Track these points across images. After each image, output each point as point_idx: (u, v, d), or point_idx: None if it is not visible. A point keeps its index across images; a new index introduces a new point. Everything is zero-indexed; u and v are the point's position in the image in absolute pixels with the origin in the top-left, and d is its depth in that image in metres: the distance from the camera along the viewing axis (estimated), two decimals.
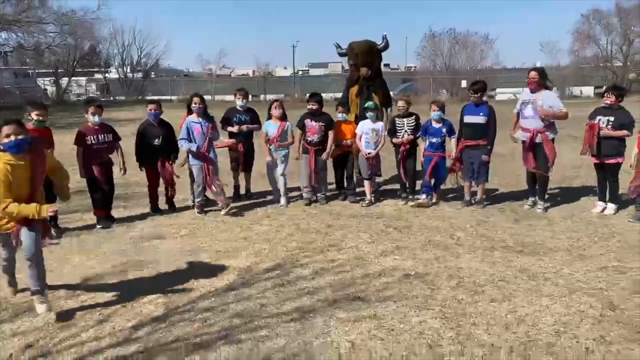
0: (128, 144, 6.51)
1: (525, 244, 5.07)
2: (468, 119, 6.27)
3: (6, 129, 3.40)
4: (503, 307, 3.70)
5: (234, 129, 6.73)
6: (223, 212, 6.29)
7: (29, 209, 3.45)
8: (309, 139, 6.64)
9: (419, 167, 6.80)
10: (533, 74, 6.04)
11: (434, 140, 6.42)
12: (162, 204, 6.57)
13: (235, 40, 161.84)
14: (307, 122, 6.64)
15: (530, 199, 6.43)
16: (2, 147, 3.41)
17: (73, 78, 33.83)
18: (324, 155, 6.67)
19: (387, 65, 46.78)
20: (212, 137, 6.23)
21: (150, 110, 6.28)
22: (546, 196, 6.38)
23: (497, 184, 7.61)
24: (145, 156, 6.29)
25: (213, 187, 6.19)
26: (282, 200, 6.75)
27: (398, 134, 6.64)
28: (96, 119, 5.81)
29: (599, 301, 3.75)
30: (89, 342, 3.31)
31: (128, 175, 6.39)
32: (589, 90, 31.66)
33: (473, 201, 6.50)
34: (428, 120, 6.52)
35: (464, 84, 27.04)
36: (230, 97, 7.73)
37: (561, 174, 8.22)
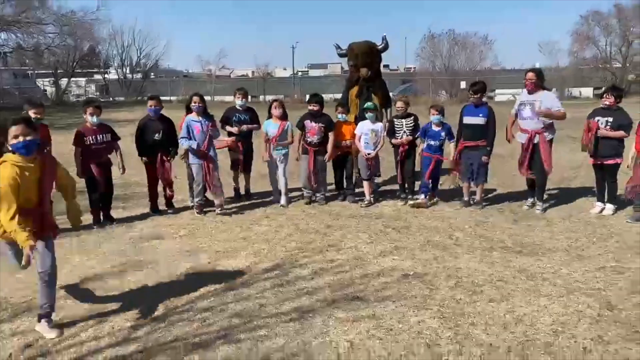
0: (127, 145, 6.53)
1: (524, 245, 5.08)
2: (467, 119, 6.28)
3: (14, 130, 3.22)
4: (501, 307, 3.71)
5: (234, 129, 6.74)
6: (217, 211, 6.32)
7: (20, 236, 3.11)
8: (309, 139, 6.65)
9: (417, 168, 6.82)
10: (530, 75, 6.06)
11: (432, 143, 6.44)
12: (161, 204, 6.57)
13: (235, 41, 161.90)
14: (307, 122, 6.66)
15: (529, 199, 6.45)
16: (10, 148, 3.25)
17: (72, 79, 33.86)
18: (326, 157, 6.69)
19: (386, 66, 46.79)
20: (213, 134, 6.24)
21: (151, 106, 6.30)
22: (545, 197, 6.40)
23: (496, 185, 7.63)
24: (145, 151, 6.29)
25: (214, 182, 6.19)
26: (283, 200, 6.77)
27: (397, 134, 6.65)
28: (95, 119, 5.83)
29: (597, 301, 3.77)
30: (88, 342, 3.32)
31: (127, 175, 6.40)
32: (588, 92, 31.71)
33: (472, 202, 6.51)
34: (428, 122, 6.54)
35: (463, 85, 27.08)
36: (229, 98, 7.74)
37: (560, 174, 8.23)
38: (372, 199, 6.79)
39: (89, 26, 31.06)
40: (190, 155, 6.25)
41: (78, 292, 4.12)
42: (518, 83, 6.61)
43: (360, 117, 7.04)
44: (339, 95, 9.09)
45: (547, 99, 5.98)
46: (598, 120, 5.93)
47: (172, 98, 27.76)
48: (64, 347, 3.25)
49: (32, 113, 5.35)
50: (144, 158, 6.35)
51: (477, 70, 31.58)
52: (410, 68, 52.71)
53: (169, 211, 6.44)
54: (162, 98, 6.72)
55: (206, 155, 6.16)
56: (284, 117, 6.73)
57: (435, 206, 6.60)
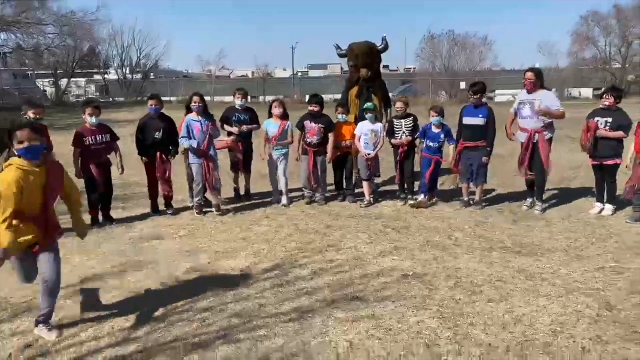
0: (127, 145, 6.53)
1: (523, 245, 5.09)
2: (467, 120, 6.28)
3: (19, 134, 3.17)
4: (500, 307, 3.71)
5: (233, 129, 6.74)
6: (214, 211, 6.36)
7: (3, 237, 3.07)
8: (308, 140, 6.66)
9: (417, 168, 6.82)
10: (529, 74, 6.06)
11: (431, 144, 6.45)
12: (161, 205, 6.57)
13: (235, 42, 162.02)
14: (307, 123, 6.66)
15: (528, 199, 6.46)
16: (16, 152, 3.20)
17: (72, 79, 33.86)
18: (327, 158, 6.71)
19: (386, 66, 46.83)
20: (213, 134, 6.25)
21: (151, 105, 6.30)
22: (544, 197, 6.40)
23: (495, 185, 7.64)
24: (145, 150, 6.29)
25: (213, 182, 6.20)
26: (284, 200, 6.79)
27: (396, 135, 6.66)
28: (93, 119, 5.83)
29: (595, 301, 3.77)
30: (88, 342, 3.32)
31: (127, 175, 6.41)
32: (587, 92, 31.73)
33: (471, 202, 6.52)
34: (427, 124, 6.55)
35: (462, 85, 27.10)
36: (229, 98, 7.75)
37: (559, 174, 8.24)
38: (371, 199, 6.80)
39: (89, 26, 31.10)
40: (191, 155, 6.26)
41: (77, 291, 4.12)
42: (518, 83, 6.61)
43: (360, 118, 7.05)
44: (338, 96, 9.10)
45: (547, 98, 5.99)
46: (597, 121, 5.94)
47: (172, 98, 27.78)
48: (64, 347, 3.25)
49: (31, 113, 5.36)
50: (143, 158, 6.35)
51: (477, 70, 31.61)
52: (410, 68, 52.77)
53: (168, 212, 6.44)
54: (162, 98, 6.72)
55: (206, 155, 6.17)
56: (284, 116, 6.75)
57: (435, 206, 6.60)
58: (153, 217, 6.31)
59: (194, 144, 6.11)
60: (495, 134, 6.23)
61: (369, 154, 6.58)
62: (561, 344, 3.19)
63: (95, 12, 30.84)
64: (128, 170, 6.32)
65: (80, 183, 6.02)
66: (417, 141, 6.69)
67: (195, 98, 6.24)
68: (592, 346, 3.16)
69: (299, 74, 54.38)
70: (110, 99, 33.78)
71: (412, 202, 6.66)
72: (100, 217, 6.07)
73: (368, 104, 6.79)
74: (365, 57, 7.54)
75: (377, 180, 7.57)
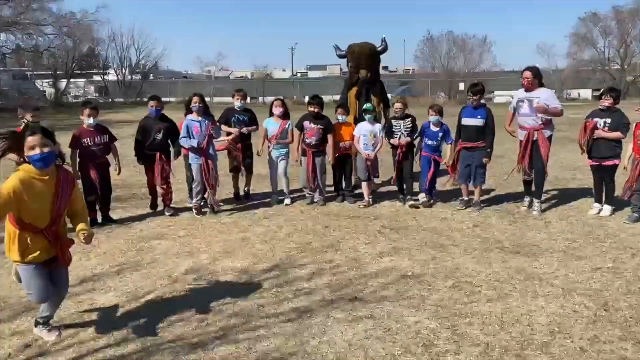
0: (127, 146, 6.53)
1: (521, 245, 5.10)
2: (466, 121, 6.30)
3: (31, 140, 2.97)
4: (498, 307, 3.73)
5: (234, 130, 6.74)
6: (208, 211, 6.40)
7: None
8: (307, 140, 6.68)
9: (415, 169, 6.83)
10: (527, 73, 6.07)
11: (430, 142, 6.47)
12: (161, 205, 6.57)
13: (234, 43, 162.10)
14: (306, 124, 6.68)
15: (526, 200, 6.47)
16: (26, 159, 3.01)
17: (71, 80, 33.87)
18: (329, 160, 6.74)
19: (385, 67, 46.92)
20: (214, 133, 6.26)
21: (152, 106, 6.30)
22: (542, 197, 6.42)
23: (493, 186, 7.66)
24: (145, 150, 6.30)
25: (211, 181, 6.22)
26: (287, 200, 6.86)
27: (395, 135, 6.67)
28: (91, 120, 5.84)
29: (593, 301, 3.79)
30: (87, 342, 3.33)
31: (127, 176, 6.42)
32: (586, 93, 31.81)
33: (470, 202, 6.53)
34: (427, 121, 6.56)
35: (461, 86, 27.14)
36: (229, 99, 7.76)
37: (558, 175, 8.27)
38: (370, 200, 6.81)
39: (88, 27, 31.13)
40: (191, 155, 6.27)
41: (76, 292, 4.13)
42: (517, 85, 6.62)
43: (359, 119, 7.07)
44: (337, 97, 9.11)
45: (546, 96, 6.00)
46: (596, 121, 5.96)
47: (171, 99, 27.81)
48: (63, 347, 3.26)
49: (29, 117, 5.35)
50: (140, 161, 6.35)
51: (476, 71, 31.68)
52: (409, 69, 52.83)
53: (167, 213, 6.44)
54: (162, 99, 6.72)
55: (205, 154, 6.19)
56: (285, 116, 6.78)
57: (434, 207, 6.61)
58: (153, 218, 6.32)
59: (194, 142, 6.12)
60: (494, 135, 6.24)
61: (369, 155, 6.60)
62: (559, 343, 3.20)
63: (95, 13, 30.90)
64: (128, 171, 6.33)
65: (78, 183, 6.06)
66: (416, 142, 6.70)
67: (195, 98, 6.25)
68: (589, 346, 3.17)
69: (299, 74, 54.42)
70: (110, 100, 33.78)
71: (412, 202, 6.67)
72: (100, 218, 6.08)
73: (367, 105, 6.80)
74: (365, 58, 7.55)
75: (377, 181, 7.58)
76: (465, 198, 6.54)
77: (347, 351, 3.17)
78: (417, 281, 4.23)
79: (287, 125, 6.76)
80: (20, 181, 2.96)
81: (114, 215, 6.25)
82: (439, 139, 6.45)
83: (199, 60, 46.39)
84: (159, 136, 6.23)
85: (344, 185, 7.05)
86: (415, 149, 6.74)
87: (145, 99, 7.05)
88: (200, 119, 6.20)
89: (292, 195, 7.04)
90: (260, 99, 32.15)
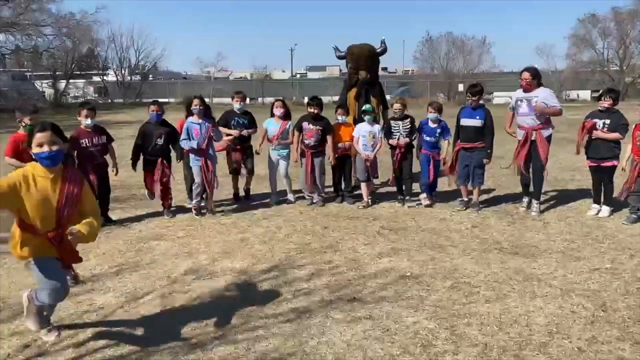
0: (126, 147, 6.53)
1: (520, 246, 5.11)
2: (464, 122, 6.31)
3: (39, 137, 2.84)
4: (497, 307, 3.74)
5: (234, 132, 6.75)
6: (207, 212, 6.42)
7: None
8: (306, 142, 6.69)
9: (415, 170, 6.85)
10: (526, 74, 6.08)
11: (428, 139, 6.49)
12: (159, 206, 6.58)
13: (234, 43, 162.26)
14: (305, 125, 6.69)
15: (524, 200, 6.48)
16: (34, 157, 2.88)
17: (71, 81, 33.86)
18: (330, 161, 6.78)
19: (384, 68, 46.98)
20: (214, 135, 6.28)
21: (153, 111, 6.30)
22: (541, 198, 6.43)
23: (492, 186, 7.67)
24: (147, 156, 6.30)
25: (211, 182, 6.23)
26: (291, 197, 6.98)
27: (393, 136, 6.68)
28: (89, 121, 5.84)
29: (591, 302, 3.80)
30: (87, 342, 3.33)
31: (126, 176, 6.42)
32: (585, 94, 31.85)
33: (469, 203, 6.54)
34: (425, 119, 6.58)
35: (461, 87, 27.18)
36: (228, 100, 7.78)
37: (556, 176, 8.28)
38: (369, 200, 6.82)
39: (88, 28, 31.14)
40: (191, 157, 6.29)
41: (75, 292, 4.13)
42: (516, 86, 6.63)
43: (358, 120, 7.08)
44: (337, 98, 9.13)
45: (544, 95, 6.01)
46: (595, 122, 5.97)
47: (171, 100, 27.84)
48: (62, 348, 3.26)
49: (27, 120, 5.34)
50: (135, 168, 6.35)
51: (475, 73, 31.72)
52: (409, 70, 52.87)
53: (166, 216, 6.42)
54: (161, 100, 6.73)
55: (205, 155, 6.20)
56: (286, 116, 6.81)
57: (433, 208, 6.63)
58: (151, 218, 6.32)
59: (194, 144, 6.14)
60: (493, 135, 6.25)
61: (368, 156, 6.61)
62: (557, 344, 3.21)
63: (94, 14, 30.92)
64: (127, 171, 6.33)
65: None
66: (415, 142, 6.72)
67: (196, 101, 6.26)
68: (587, 346, 3.18)
69: (298, 75, 54.45)
70: (109, 101, 33.79)
71: (409, 204, 6.69)
72: None
73: (367, 106, 6.81)
74: (365, 60, 7.56)
75: (376, 181, 7.59)
76: (465, 199, 6.55)
77: (345, 351, 3.17)
78: (415, 282, 4.24)
79: (287, 126, 6.79)
80: (24, 176, 2.84)
81: (113, 215, 6.26)
82: (437, 135, 6.47)
83: (199, 61, 46.33)
84: (160, 141, 6.24)
85: (343, 186, 7.06)
86: (415, 148, 6.76)
87: (145, 100, 7.04)
88: (200, 121, 6.21)
89: (294, 195, 7.07)
90: (260, 99, 32.19)
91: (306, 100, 7.77)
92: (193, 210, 6.43)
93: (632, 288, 4.04)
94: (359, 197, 6.95)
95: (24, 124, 5.36)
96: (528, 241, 5.26)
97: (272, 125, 6.82)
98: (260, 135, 6.93)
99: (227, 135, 6.77)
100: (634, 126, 5.83)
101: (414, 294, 4.00)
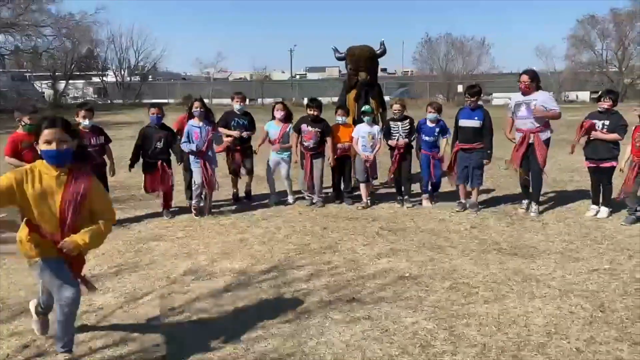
0: (126, 147, 6.53)
1: (519, 247, 5.12)
2: (463, 122, 6.32)
3: (47, 134, 2.65)
4: (495, 308, 3.74)
5: (234, 133, 6.76)
6: (205, 213, 6.42)
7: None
8: (305, 144, 6.70)
9: (414, 170, 6.86)
10: (524, 77, 6.10)
11: (427, 138, 6.51)
12: (158, 207, 6.58)
13: (234, 43, 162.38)
14: (304, 127, 6.70)
15: (524, 202, 6.49)
16: (40, 153, 2.71)
17: (70, 81, 33.87)
18: (329, 162, 6.79)
19: (384, 69, 47.02)
20: (214, 139, 6.29)
21: (153, 114, 6.30)
22: (540, 199, 6.44)
23: (491, 187, 7.68)
24: (146, 159, 6.30)
25: (210, 184, 6.24)
26: (290, 199, 6.98)
27: (393, 137, 6.69)
28: (87, 122, 5.85)
29: (590, 303, 3.81)
30: (86, 343, 3.34)
31: (126, 177, 6.42)
32: (584, 95, 31.90)
33: (468, 204, 6.55)
34: (423, 118, 6.60)
35: (460, 88, 27.22)
36: (227, 101, 7.79)
37: (555, 177, 8.30)
38: (369, 201, 6.83)
39: (87, 29, 31.16)
40: (191, 158, 6.30)
41: None
42: (515, 87, 6.64)
43: (358, 121, 7.09)
44: (336, 99, 9.14)
45: (543, 98, 6.02)
46: (595, 123, 5.98)
47: (170, 100, 27.85)
48: None
49: (26, 119, 5.34)
50: (131, 169, 6.35)
51: (474, 74, 31.76)
52: (408, 71, 52.92)
53: (165, 217, 6.43)
54: (160, 101, 6.75)
55: (204, 156, 6.21)
56: (287, 119, 6.83)
57: (432, 208, 6.64)
58: (151, 219, 6.33)
59: (193, 147, 6.15)
60: (492, 135, 6.26)
61: (367, 157, 6.62)
62: (555, 344, 3.22)
63: (94, 15, 30.93)
64: (126, 172, 6.33)
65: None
66: (414, 142, 6.73)
67: (197, 103, 6.27)
68: (585, 347, 3.19)
69: (297, 76, 54.48)
70: (109, 101, 33.80)
71: (408, 205, 6.70)
72: None
73: (366, 107, 6.82)
74: (365, 61, 7.57)
75: (375, 182, 7.60)
76: (463, 201, 6.55)
77: (344, 352, 3.18)
78: (414, 282, 4.25)
79: (287, 129, 6.80)
80: (29, 171, 2.70)
81: None
82: (435, 134, 6.49)
83: (198, 62, 46.34)
84: (160, 145, 6.25)
85: (342, 186, 7.07)
86: (414, 148, 6.77)
87: (144, 101, 7.04)
88: (201, 124, 6.22)
89: (293, 197, 7.09)
90: (259, 100, 32.21)
91: (306, 101, 7.79)
92: (193, 210, 6.43)
93: (630, 289, 4.05)
94: (358, 198, 6.96)
95: (23, 123, 5.37)
96: (527, 242, 5.27)
97: (272, 128, 6.83)
98: (261, 136, 6.94)
99: (228, 136, 6.78)
100: (633, 127, 5.84)
101: (412, 294, 4.01)
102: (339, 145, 6.79)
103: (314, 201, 6.88)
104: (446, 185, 7.12)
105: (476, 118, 6.22)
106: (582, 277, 4.30)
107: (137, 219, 6.32)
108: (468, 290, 4.06)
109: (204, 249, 5.20)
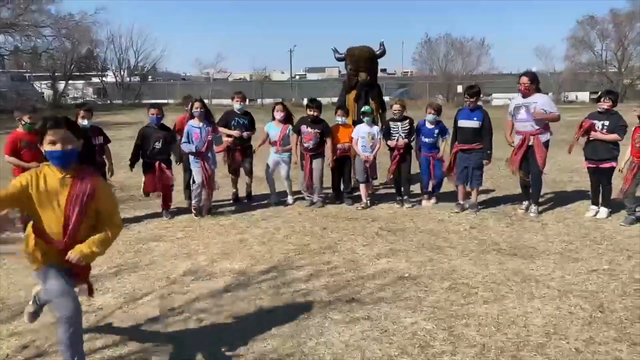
0: (125, 147, 6.54)
1: (518, 247, 5.12)
2: (462, 123, 6.33)
3: (52, 134, 2.56)
4: (495, 308, 3.75)
5: (235, 133, 6.77)
6: (204, 213, 6.42)
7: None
8: (305, 145, 6.71)
9: (413, 171, 6.86)
10: (524, 79, 6.10)
11: (426, 140, 6.52)
12: (158, 207, 6.58)
13: (233, 44, 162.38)
14: (303, 128, 6.71)
15: (523, 202, 6.49)
16: (44, 154, 2.63)
17: (70, 82, 33.88)
18: (329, 163, 6.80)
19: (383, 70, 47.04)
20: (214, 140, 6.31)
21: (152, 114, 6.30)
22: (539, 200, 6.44)
23: (491, 187, 7.68)
24: (145, 159, 6.31)
25: (210, 184, 6.25)
26: (290, 200, 6.98)
27: (392, 137, 6.69)
28: (85, 122, 5.85)
29: (589, 303, 3.81)
30: (85, 343, 3.33)
31: (125, 178, 6.42)
32: (584, 96, 31.93)
33: (467, 205, 6.55)
34: (422, 120, 6.60)
35: (459, 89, 27.24)
36: (227, 101, 7.80)
37: (555, 178, 8.30)
38: (368, 202, 6.83)
39: (87, 29, 31.17)
40: (191, 158, 6.30)
41: None
42: (514, 87, 6.65)
43: (358, 121, 7.10)
44: (336, 99, 9.15)
45: (542, 101, 6.03)
46: (594, 123, 5.99)
47: (170, 101, 27.85)
48: None
49: (26, 118, 5.35)
50: (132, 168, 6.35)
51: (474, 74, 31.77)
52: (407, 72, 52.93)
53: (165, 218, 6.43)
54: (159, 101, 6.76)
55: (204, 157, 6.21)
56: (287, 120, 6.83)
57: (431, 209, 6.64)
58: (150, 220, 6.33)
59: (193, 148, 6.16)
60: (492, 135, 6.27)
61: (367, 157, 6.62)
62: (554, 345, 3.22)
63: (94, 15, 30.94)
64: (126, 172, 6.33)
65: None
66: (414, 143, 6.74)
67: (197, 104, 6.28)
68: (584, 347, 3.19)
69: (297, 77, 54.48)
70: (108, 102, 33.80)
71: (407, 205, 6.71)
72: None
73: (366, 108, 6.83)
74: (365, 62, 7.58)
75: (375, 183, 7.60)
76: (461, 202, 6.55)
77: (344, 352, 3.18)
78: (414, 283, 4.25)
79: (287, 131, 6.80)
80: (34, 175, 2.62)
81: None
82: (435, 136, 6.50)
83: (198, 63, 46.37)
84: (158, 145, 6.25)
85: (342, 187, 7.07)
86: (414, 149, 6.78)
87: (144, 101, 7.05)
88: (201, 125, 6.23)
89: (293, 197, 7.09)
90: (259, 101, 32.22)
91: (305, 101, 7.80)
92: (193, 210, 6.44)
93: (629, 289, 4.05)
94: (358, 198, 6.96)
95: (23, 122, 5.37)
96: (526, 242, 5.27)
97: (272, 129, 6.84)
98: (261, 137, 6.95)
99: (228, 136, 6.78)
100: (633, 128, 5.85)
101: (412, 294, 4.01)
102: (339, 146, 6.79)
103: (313, 201, 6.88)
104: (446, 186, 7.11)
105: (475, 118, 6.23)
106: (582, 278, 4.31)
107: (137, 220, 6.32)
108: (467, 291, 4.07)
109: (204, 250, 5.20)
